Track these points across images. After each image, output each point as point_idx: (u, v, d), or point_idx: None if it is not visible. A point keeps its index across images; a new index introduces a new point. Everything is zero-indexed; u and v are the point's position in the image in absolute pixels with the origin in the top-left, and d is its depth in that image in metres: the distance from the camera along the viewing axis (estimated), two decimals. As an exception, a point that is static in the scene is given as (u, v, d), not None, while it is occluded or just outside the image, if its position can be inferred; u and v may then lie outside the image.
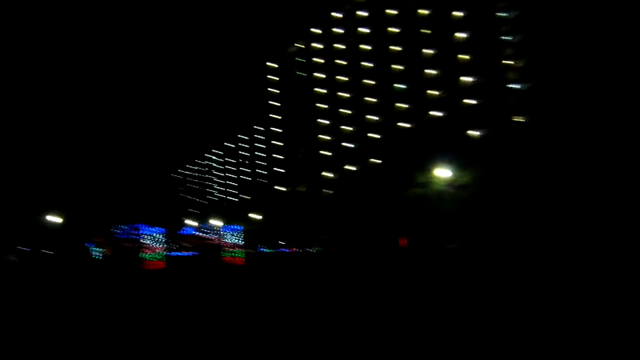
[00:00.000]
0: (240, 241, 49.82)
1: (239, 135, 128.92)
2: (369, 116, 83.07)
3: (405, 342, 8.90)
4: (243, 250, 49.91)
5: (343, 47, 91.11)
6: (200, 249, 62.68)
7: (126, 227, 59.71)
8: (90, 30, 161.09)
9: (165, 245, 46.31)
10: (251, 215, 79.39)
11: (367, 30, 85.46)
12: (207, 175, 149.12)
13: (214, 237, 58.70)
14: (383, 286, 20.27)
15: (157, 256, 44.19)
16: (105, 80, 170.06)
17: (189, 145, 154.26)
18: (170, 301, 18.44)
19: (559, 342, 8.54)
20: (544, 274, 21.17)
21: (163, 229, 45.29)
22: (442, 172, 50.76)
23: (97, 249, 64.03)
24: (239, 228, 51.47)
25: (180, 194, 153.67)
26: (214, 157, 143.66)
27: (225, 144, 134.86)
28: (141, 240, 44.64)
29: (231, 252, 50.14)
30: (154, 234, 44.70)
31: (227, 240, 50.44)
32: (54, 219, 59.76)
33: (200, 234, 61.08)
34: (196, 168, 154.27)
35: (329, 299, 17.08)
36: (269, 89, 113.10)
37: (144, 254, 44.18)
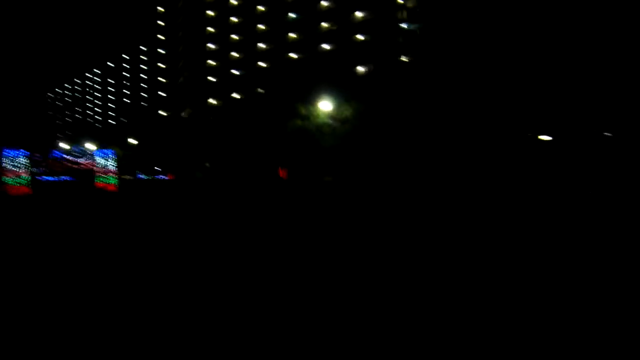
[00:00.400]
0: (113, 166, 46.60)
1: (122, 55, 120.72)
2: (258, 44, 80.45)
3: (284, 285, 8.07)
4: (116, 176, 46.82)
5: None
6: (70, 174, 58.52)
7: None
8: None
9: (30, 169, 42.14)
10: (128, 140, 75.17)
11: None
12: (82, 96, 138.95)
13: (86, 161, 54.83)
14: (260, 218, 19.46)
15: (21, 181, 40.30)
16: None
17: (65, 63, 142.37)
18: (36, 229, 16.46)
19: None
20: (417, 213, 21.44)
21: (26, 152, 41.15)
22: (325, 105, 50.48)
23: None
24: (111, 152, 48.08)
25: (51, 115, 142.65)
26: (92, 77, 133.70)
27: (107, 63, 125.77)
28: (4, 164, 40.29)
29: (104, 177, 46.83)
30: (17, 157, 40.53)
31: (99, 166, 46.93)
32: None
33: (71, 157, 56.53)
34: (70, 87, 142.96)
35: (203, 229, 16.02)
36: (157, 7, 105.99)
37: (6, 178, 40.08)
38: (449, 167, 41.62)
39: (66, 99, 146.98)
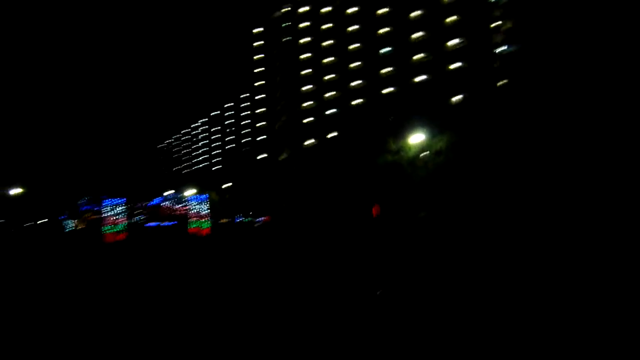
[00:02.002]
0: (206, 211, 47.05)
1: (223, 105, 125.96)
2: (352, 82, 79.95)
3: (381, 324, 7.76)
4: (209, 220, 47.13)
5: (329, 9, 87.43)
6: (167, 219, 60.27)
7: (90, 199, 57.48)
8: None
9: (128, 217, 43.67)
10: (225, 184, 76.79)
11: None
12: (184, 145, 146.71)
13: (182, 207, 56.19)
14: (357, 259, 17.93)
15: (118, 228, 41.65)
16: (79, 51, 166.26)
17: (170, 116, 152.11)
18: (126, 274, 16.30)
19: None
20: (517, 249, 18.65)
21: (124, 199, 42.64)
22: (416, 138, 47.87)
23: (69, 221, 61.97)
24: (205, 197, 48.70)
25: (153, 163, 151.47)
26: (194, 127, 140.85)
27: (210, 113, 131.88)
28: (104, 212, 42.13)
29: (198, 222, 47.32)
30: (116, 205, 42.09)
31: (194, 211, 47.60)
32: (17, 190, 57.10)
33: (168, 204, 58.30)
34: (174, 138, 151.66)
35: (300, 272, 14.87)
36: (254, 56, 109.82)
37: (107, 226, 41.63)
38: (555, 203, 37.01)
39: (169, 148, 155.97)
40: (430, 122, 49.58)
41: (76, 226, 60.26)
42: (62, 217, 66.86)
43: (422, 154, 47.73)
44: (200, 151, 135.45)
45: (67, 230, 61.44)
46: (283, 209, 65.19)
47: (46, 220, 69.30)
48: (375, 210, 54.44)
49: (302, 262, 16.85)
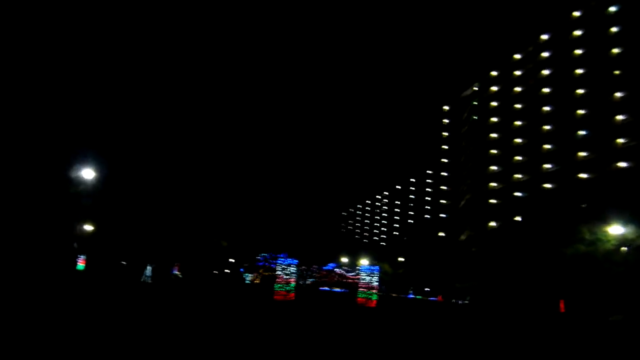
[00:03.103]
0: (376, 283, 47.27)
1: (410, 179, 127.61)
2: (543, 165, 75.54)
3: None
4: (377, 293, 47.11)
5: (520, 89, 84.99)
6: (338, 286, 61.44)
7: (266, 256, 61.56)
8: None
9: (300, 278, 45.74)
10: (399, 258, 76.26)
11: (547, 72, 78.57)
12: (367, 214, 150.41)
13: (354, 275, 57.04)
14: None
15: (289, 288, 43.88)
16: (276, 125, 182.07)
17: (352, 186, 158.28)
18: (290, 334, 17.31)
19: None
20: None
21: (296, 260, 44.96)
22: (616, 229, 43.09)
23: (247, 274, 67.06)
24: (377, 269, 49.03)
25: (337, 230, 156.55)
26: (379, 198, 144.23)
27: (395, 186, 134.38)
28: (277, 270, 44.89)
29: (366, 293, 47.60)
30: (289, 264, 44.59)
31: (364, 281, 48.07)
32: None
33: (341, 270, 59.72)
34: (360, 207, 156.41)
35: None
36: (442, 132, 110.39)
37: (279, 284, 44.19)
38: None
39: (352, 215, 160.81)
40: (634, 213, 44.48)
41: (252, 280, 64.27)
42: (242, 269, 72.59)
43: (621, 248, 42.71)
44: (380, 222, 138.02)
45: (246, 282, 66.18)
46: (459, 292, 62.54)
47: (229, 271, 76.15)
48: (561, 306, 49.61)
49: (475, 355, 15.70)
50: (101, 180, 43.77)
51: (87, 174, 37.41)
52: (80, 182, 39.00)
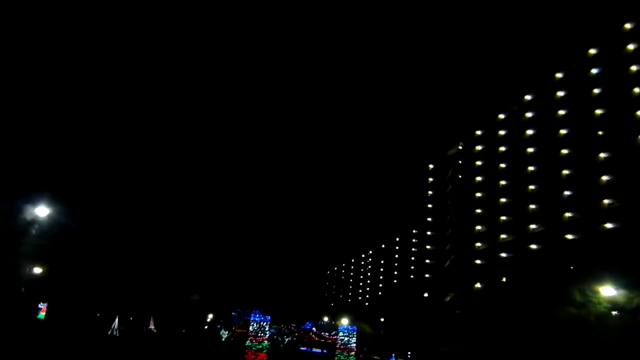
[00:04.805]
0: (353, 344, 44.80)
1: (395, 238, 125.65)
2: (529, 225, 74.06)
3: None
4: (353, 355, 44.56)
5: (505, 149, 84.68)
6: (315, 346, 58.43)
7: (240, 311, 58.53)
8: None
9: (277, 336, 43.05)
10: (381, 319, 73.23)
11: (532, 132, 78.43)
12: (350, 273, 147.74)
13: (331, 335, 54.24)
14: None
15: (260, 347, 41.20)
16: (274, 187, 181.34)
17: (337, 245, 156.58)
18: None
19: None
20: None
21: (268, 317, 42.33)
22: (608, 291, 41.18)
23: (223, 331, 63.75)
24: (355, 329, 46.53)
25: (317, 289, 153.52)
26: (364, 257, 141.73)
27: (381, 245, 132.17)
28: (250, 327, 42.23)
29: (344, 355, 45.01)
30: (262, 322, 41.93)
31: (341, 342, 45.56)
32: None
33: (318, 330, 56.68)
34: (343, 266, 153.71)
35: None
36: (428, 191, 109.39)
37: (250, 342, 41.40)
38: None
39: (335, 274, 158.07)
40: (626, 275, 42.74)
41: (228, 338, 61.19)
42: (218, 326, 69.24)
43: (614, 312, 40.68)
44: (364, 282, 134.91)
45: (222, 339, 62.88)
46: (443, 357, 59.55)
47: (206, 327, 72.69)
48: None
49: None
50: (62, 219, 41.43)
51: (41, 211, 35.02)
52: (32, 219, 36.52)
